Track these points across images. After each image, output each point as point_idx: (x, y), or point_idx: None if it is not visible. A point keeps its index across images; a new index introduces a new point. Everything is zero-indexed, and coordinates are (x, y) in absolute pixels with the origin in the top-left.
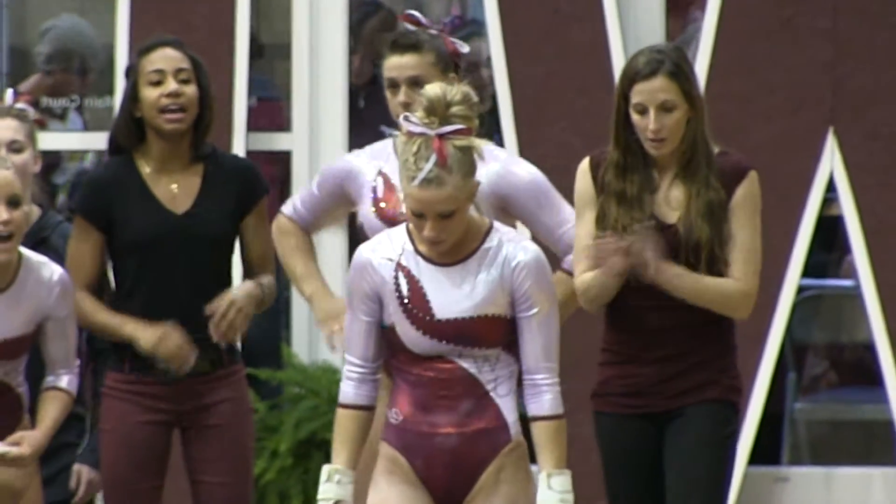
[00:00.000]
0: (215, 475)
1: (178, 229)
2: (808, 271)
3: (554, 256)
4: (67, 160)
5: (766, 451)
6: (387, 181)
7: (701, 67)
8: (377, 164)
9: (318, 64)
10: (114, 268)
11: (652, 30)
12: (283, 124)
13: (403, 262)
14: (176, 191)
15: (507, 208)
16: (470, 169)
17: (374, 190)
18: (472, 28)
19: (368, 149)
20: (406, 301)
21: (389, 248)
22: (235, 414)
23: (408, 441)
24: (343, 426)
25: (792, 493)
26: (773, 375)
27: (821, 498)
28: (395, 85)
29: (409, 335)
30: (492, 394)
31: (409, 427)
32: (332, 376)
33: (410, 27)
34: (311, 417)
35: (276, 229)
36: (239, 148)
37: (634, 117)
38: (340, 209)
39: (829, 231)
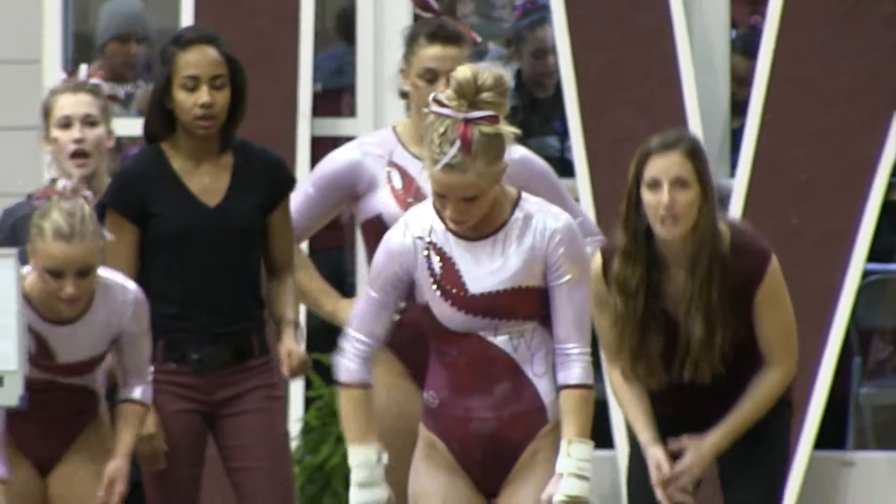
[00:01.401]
0: (252, 460)
1: (212, 222)
2: (872, 255)
3: None
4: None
5: (832, 436)
6: (403, 173)
7: (765, 52)
8: (381, 154)
9: (383, 49)
10: (145, 262)
11: (717, 15)
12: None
13: (433, 240)
14: (207, 183)
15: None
16: (495, 155)
17: (391, 180)
18: (541, 14)
19: (363, 140)
20: (439, 278)
21: (419, 228)
22: (266, 399)
23: (445, 425)
24: (361, 403)
25: (857, 477)
26: (838, 360)
27: (886, 482)
28: (433, 76)
29: (444, 312)
30: (529, 374)
31: (445, 411)
32: None
33: (423, 13)
34: None
35: None
36: (304, 134)
37: (646, 196)
38: (338, 207)
39: (894, 215)
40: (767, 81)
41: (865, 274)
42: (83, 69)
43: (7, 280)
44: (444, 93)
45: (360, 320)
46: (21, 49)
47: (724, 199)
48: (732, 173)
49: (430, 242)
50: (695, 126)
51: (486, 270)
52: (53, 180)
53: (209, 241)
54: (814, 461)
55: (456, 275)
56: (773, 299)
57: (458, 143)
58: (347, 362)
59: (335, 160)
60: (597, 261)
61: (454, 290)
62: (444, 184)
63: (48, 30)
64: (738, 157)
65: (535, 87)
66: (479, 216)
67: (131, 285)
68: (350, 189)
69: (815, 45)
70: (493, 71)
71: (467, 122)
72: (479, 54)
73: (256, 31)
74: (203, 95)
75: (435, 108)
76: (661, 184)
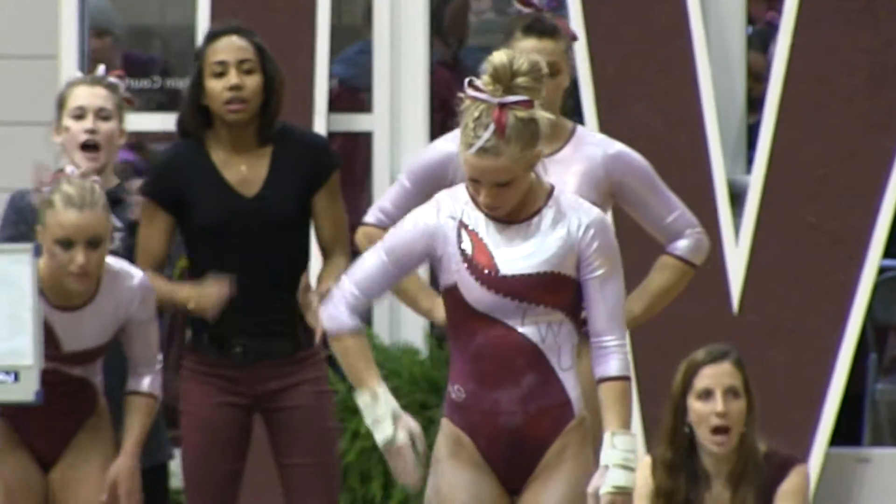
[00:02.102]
0: (299, 456)
1: (249, 213)
2: (888, 252)
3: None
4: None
5: (848, 433)
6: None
7: (781, 48)
8: (454, 212)
9: (400, 44)
10: (187, 253)
11: (733, 10)
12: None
13: (466, 220)
14: (245, 173)
15: (619, 193)
16: (530, 140)
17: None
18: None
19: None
20: (470, 257)
21: (452, 207)
22: (314, 395)
23: (471, 420)
24: (357, 349)
25: (873, 473)
26: (854, 357)
27: None
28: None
29: (473, 291)
30: (555, 367)
31: (471, 405)
32: (413, 357)
33: (525, 9)
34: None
35: (362, 241)
36: (320, 130)
37: (696, 406)
38: None
39: None
40: (784, 78)
41: (881, 270)
42: (101, 68)
43: (23, 275)
44: (481, 78)
45: (362, 275)
46: (38, 45)
47: (741, 196)
48: (748, 170)
49: (461, 222)
50: (711, 122)
51: (518, 253)
52: (61, 169)
53: (247, 233)
54: (829, 458)
55: (487, 254)
56: (794, 497)
57: (492, 127)
58: (335, 311)
59: (430, 151)
60: (646, 462)
61: (485, 270)
62: (478, 168)
63: (65, 25)
64: (754, 154)
65: None
66: (513, 203)
67: (138, 272)
68: (444, 181)
69: (831, 41)
70: (528, 57)
71: (502, 106)
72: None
73: (273, 25)
74: (231, 78)
75: (470, 92)
76: (714, 393)
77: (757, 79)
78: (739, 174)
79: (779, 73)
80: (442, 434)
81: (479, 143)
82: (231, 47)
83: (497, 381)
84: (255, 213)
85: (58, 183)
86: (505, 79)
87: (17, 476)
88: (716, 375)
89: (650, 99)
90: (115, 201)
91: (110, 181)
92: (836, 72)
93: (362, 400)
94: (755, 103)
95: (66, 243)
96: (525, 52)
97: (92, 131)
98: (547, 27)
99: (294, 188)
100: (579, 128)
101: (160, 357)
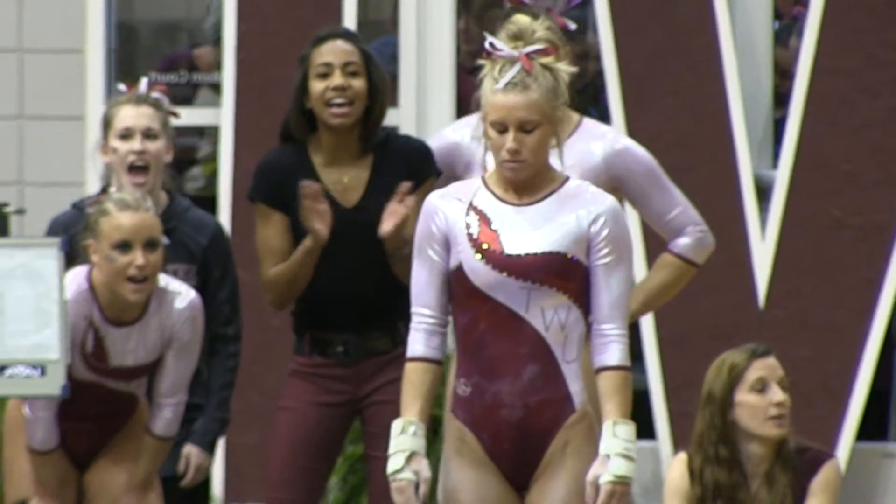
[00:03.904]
0: (383, 450)
1: (348, 223)
2: None
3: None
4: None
5: (873, 428)
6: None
7: (808, 44)
8: (479, 135)
9: (426, 38)
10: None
11: (759, 5)
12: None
13: (475, 203)
14: (346, 182)
15: (621, 187)
16: (555, 89)
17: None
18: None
19: (468, 120)
20: (475, 237)
21: (462, 192)
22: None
23: (475, 415)
24: (414, 379)
25: None
26: (880, 352)
27: None
28: None
29: (477, 271)
30: (558, 359)
31: (475, 399)
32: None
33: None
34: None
35: None
36: None
37: (750, 399)
38: None
39: None
40: (810, 72)
41: None
42: (143, 82)
43: (50, 269)
44: (498, 38)
45: (415, 291)
46: (64, 39)
47: (767, 191)
48: (775, 164)
49: (470, 204)
50: (737, 117)
51: (525, 234)
52: (105, 189)
53: (347, 242)
54: (855, 453)
55: (493, 234)
56: (824, 495)
57: (518, 64)
58: (411, 337)
59: (436, 140)
60: (681, 458)
61: (489, 248)
62: (506, 106)
63: (91, 19)
64: (780, 149)
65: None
66: (535, 158)
67: (190, 292)
68: (451, 169)
69: (858, 36)
70: (544, 20)
71: (525, 55)
72: None
73: (299, 20)
74: (336, 79)
75: (493, 51)
76: (770, 384)
77: (784, 74)
78: (766, 169)
79: (805, 67)
80: (447, 431)
81: (507, 78)
82: (337, 50)
83: (499, 371)
84: (354, 224)
85: (105, 196)
86: (526, 36)
87: (54, 475)
88: (768, 367)
89: (677, 94)
90: (167, 231)
91: (159, 198)
92: (862, 66)
93: (394, 426)
94: (782, 98)
95: (125, 245)
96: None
97: (140, 152)
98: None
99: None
100: (586, 120)
101: (184, 396)
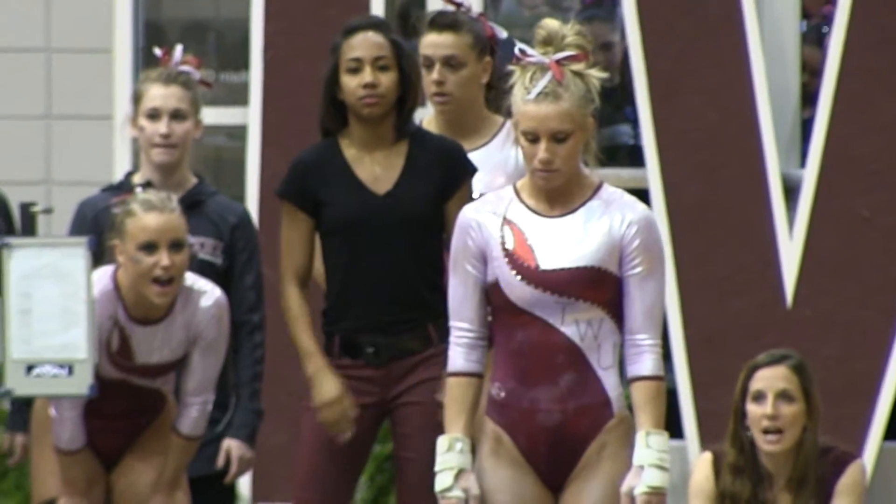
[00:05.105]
0: (412, 450)
1: (380, 210)
2: None
3: None
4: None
5: None
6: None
7: (836, 43)
8: (497, 209)
9: None
10: (323, 253)
11: (787, 5)
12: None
13: (509, 216)
14: (378, 172)
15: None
16: (586, 96)
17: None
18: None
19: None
20: (511, 251)
21: (496, 205)
22: (434, 392)
23: (510, 418)
24: (456, 395)
25: None
26: None
27: None
28: (429, 62)
29: (513, 286)
30: (595, 366)
31: (511, 403)
32: None
33: (450, 7)
34: None
35: None
36: None
37: (751, 408)
38: None
39: None
40: (838, 71)
41: None
42: (178, 51)
43: (77, 268)
44: (531, 48)
45: (454, 306)
46: (92, 38)
47: (794, 190)
48: (802, 164)
49: (505, 218)
50: (765, 116)
51: (559, 248)
52: (129, 175)
53: (378, 229)
54: (883, 452)
55: (528, 249)
56: (850, 496)
57: (550, 74)
58: (451, 352)
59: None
60: (707, 455)
61: (525, 264)
62: (538, 116)
63: (119, 19)
64: (808, 148)
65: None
66: (567, 166)
67: (216, 290)
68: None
69: (886, 35)
70: (574, 24)
71: (556, 62)
72: None
73: (327, 20)
74: (366, 76)
75: (524, 58)
76: (766, 396)
77: (812, 73)
78: (793, 168)
79: (833, 66)
80: (483, 433)
81: (538, 88)
82: (366, 44)
83: (536, 379)
84: (386, 210)
85: (132, 196)
86: (556, 42)
87: (82, 475)
88: (768, 378)
89: (704, 93)
90: (194, 203)
91: (188, 179)
92: (890, 66)
93: (440, 444)
94: (810, 97)
95: (150, 246)
96: (426, 46)
97: (166, 135)
98: (447, 21)
99: (426, 189)
100: (509, 124)
101: (211, 395)
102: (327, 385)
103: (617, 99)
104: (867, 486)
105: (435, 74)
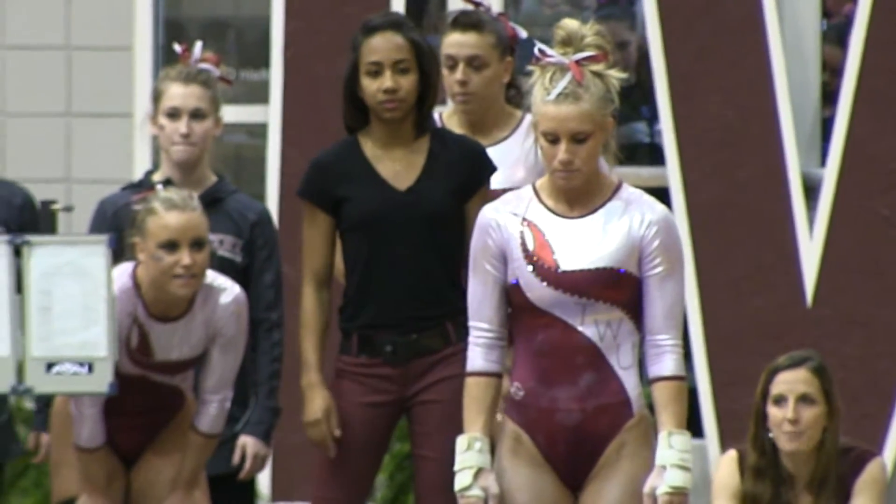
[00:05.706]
0: (430, 449)
1: (401, 206)
2: None
3: None
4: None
5: None
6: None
7: (856, 41)
8: (516, 209)
9: None
10: (343, 250)
11: (808, 4)
12: None
13: (529, 217)
14: (399, 168)
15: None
16: (605, 97)
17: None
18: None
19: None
20: (531, 252)
21: (515, 205)
22: (453, 391)
23: (530, 417)
24: (475, 394)
25: None
26: None
27: None
28: (453, 62)
29: (534, 287)
30: (614, 366)
31: (530, 402)
32: None
33: (470, 7)
34: None
35: None
36: None
37: (772, 411)
38: None
39: None
40: (858, 71)
41: None
42: (198, 47)
43: (97, 266)
44: (551, 49)
45: (472, 309)
46: (112, 36)
47: (814, 189)
48: (823, 163)
49: (524, 218)
50: (785, 115)
51: (579, 248)
52: (149, 173)
53: (399, 225)
54: None
55: (548, 250)
56: (870, 492)
57: (570, 74)
58: (470, 351)
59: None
60: (732, 453)
61: (545, 266)
62: (558, 116)
63: (139, 17)
64: (828, 147)
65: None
66: (587, 167)
67: (235, 287)
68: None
69: None
70: (593, 24)
71: (576, 62)
72: None
73: (347, 18)
74: (386, 81)
75: (543, 59)
76: (787, 399)
77: (833, 72)
78: (813, 167)
79: (853, 66)
80: (502, 433)
81: (558, 89)
82: (386, 47)
83: (556, 379)
84: (406, 206)
85: (153, 194)
86: (576, 42)
87: (101, 472)
88: (789, 382)
89: (724, 92)
90: (214, 201)
91: (208, 177)
92: None
93: (459, 443)
94: (830, 97)
95: (171, 245)
96: (449, 45)
97: (186, 135)
98: (470, 20)
99: (447, 186)
100: (529, 117)
101: (229, 393)
102: (315, 404)
103: (634, 97)
104: (888, 483)
105: (459, 74)
